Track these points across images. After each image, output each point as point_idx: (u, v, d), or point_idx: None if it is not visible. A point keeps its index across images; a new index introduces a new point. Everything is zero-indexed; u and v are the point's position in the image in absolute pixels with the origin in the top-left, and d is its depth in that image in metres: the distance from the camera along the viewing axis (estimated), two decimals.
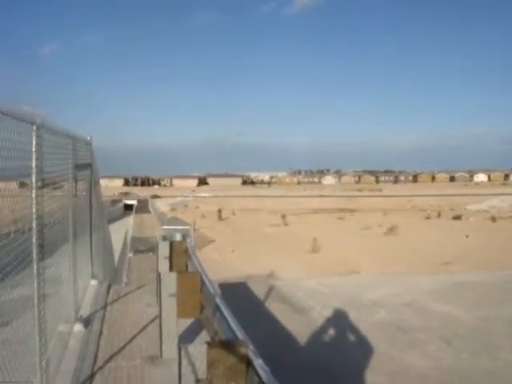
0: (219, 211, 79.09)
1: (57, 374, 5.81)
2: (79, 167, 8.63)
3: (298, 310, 9.76)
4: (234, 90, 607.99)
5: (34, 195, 4.89)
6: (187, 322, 7.26)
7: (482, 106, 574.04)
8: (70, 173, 7.69)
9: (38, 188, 4.95)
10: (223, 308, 4.80)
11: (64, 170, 7.41)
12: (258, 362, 3.47)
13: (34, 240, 4.91)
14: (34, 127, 4.84)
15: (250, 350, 3.59)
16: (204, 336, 5.92)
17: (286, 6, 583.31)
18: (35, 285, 4.96)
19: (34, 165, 4.88)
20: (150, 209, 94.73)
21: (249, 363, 3.50)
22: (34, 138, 4.85)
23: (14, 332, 4.91)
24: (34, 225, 4.89)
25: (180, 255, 7.86)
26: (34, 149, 4.86)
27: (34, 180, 4.89)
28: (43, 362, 5.15)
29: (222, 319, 4.57)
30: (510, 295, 11.38)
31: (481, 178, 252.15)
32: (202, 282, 6.07)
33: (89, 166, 10.06)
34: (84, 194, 9.66)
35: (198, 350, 3.64)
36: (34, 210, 4.89)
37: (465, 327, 8.97)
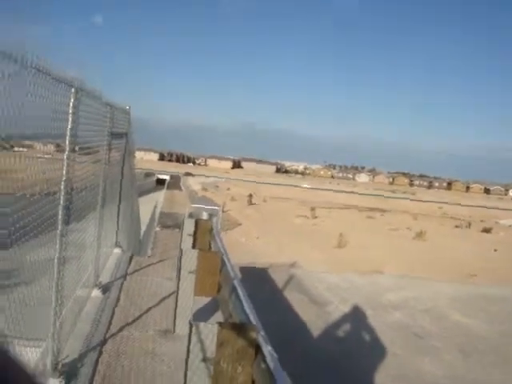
0: (250, 196, 79.01)
1: (70, 336, 5.87)
2: (115, 136, 8.66)
3: (315, 302, 9.71)
4: (276, 78, 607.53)
5: (65, 157, 4.91)
6: (204, 301, 7.27)
7: None
8: (105, 140, 7.72)
9: (70, 151, 4.97)
10: (240, 291, 4.79)
11: (100, 136, 7.45)
12: (267, 349, 3.45)
13: (60, 202, 4.93)
14: (73, 90, 4.85)
15: (260, 336, 3.57)
16: (218, 316, 5.92)
17: None
18: (57, 246, 4.98)
19: (69, 127, 4.90)
20: (182, 186, 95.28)
21: (258, 348, 3.48)
22: (71, 100, 4.86)
23: (34, 291, 4.96)
24: (62, 187, 4.91)
25: (204, 234, 7.87)
26: (70, 111, 4.87)
27: (67, 142, 4.91)
28: (57, 323, 5.20)
29: (238, 301, 4.55)
30: None
31: None
32: (223, 263, 6.07)
33: (125, 135, 10.09)
34: (117, 162, 9.69)
35: (209, 329, 3.63)
36: (64, 173, 4.90)
37: (483, 340, 8.82)
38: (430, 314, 9.97)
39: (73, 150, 5.03)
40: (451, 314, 10.13)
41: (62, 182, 4.91)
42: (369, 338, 8.36)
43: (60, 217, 4.95)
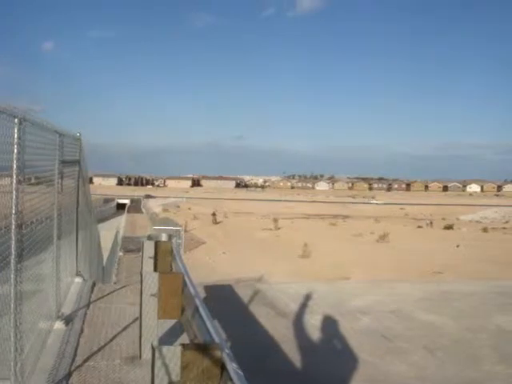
0: (213, 214, 78.69)
1: (33, 372, 5.72)
2: (67, 163, 8.54)
3: (282, 314, 9.69)
4: (233, 94, 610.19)
5: (14, 189, 4.81)
6: (170, 324, 7.18)
7: (476, 117, 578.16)
8: (56, 169, 7.59)
9: (18, 182, 4.88)
10: (202, 310, 4.74)
11: (50, 165, 7.32)
12: (232, 366, 3.41)
13: (12, 236, 4.83)
14: (16, 120, 4.78)
15: (224, 354, 3.53)
16: (185, 338, 5.84)
17: (288, 9, 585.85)
18: (12, 281, 4.88)
19: (14, 158, 4.81)
20: (143, 209, 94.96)
21: (223, 367, 3.44)
22: (15, 131, 4.79)
23: None
24: (12, 220, 4.81)
25: (165, 255, 7.79)
26: (15, 142, 4.79)
27: (14, 174, 4.81)
28: (18, 360, 5.07)
29: (201, 321, 4.51)
30: (497, 306, 11.36)
31: (474, 188, 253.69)
32: (185, 284, 6.01)
33: (77, 162, 9.97)
34: (71, 190, 9.56)
35: (173, 351, 3.57)
36: (13, 205, 4.81)
37: (450, 337, 8.92)
38: (397, 315, 10.06)
39: (20, 182, 4.93)
40: (417, 313, 10.24)
41: (13, 215, 4.81)
42: (339, 346, 8.37)
43: (13, 251, 4.85)
